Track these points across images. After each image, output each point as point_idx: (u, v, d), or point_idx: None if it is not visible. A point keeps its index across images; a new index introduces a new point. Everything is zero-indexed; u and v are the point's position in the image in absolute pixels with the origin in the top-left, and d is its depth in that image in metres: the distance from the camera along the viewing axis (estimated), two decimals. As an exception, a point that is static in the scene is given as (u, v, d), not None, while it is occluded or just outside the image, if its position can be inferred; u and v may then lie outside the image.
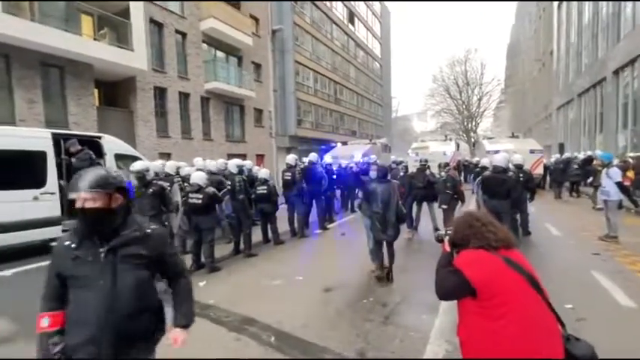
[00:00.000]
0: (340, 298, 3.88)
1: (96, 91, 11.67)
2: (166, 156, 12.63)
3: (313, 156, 7.74)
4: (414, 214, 6.82)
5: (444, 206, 5.95)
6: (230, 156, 13.89)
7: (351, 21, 34.41)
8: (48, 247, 5.96)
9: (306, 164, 7.60)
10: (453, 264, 1.50)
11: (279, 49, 22.76)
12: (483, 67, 34.57)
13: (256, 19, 19.36)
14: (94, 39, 10.88)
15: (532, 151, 13.19)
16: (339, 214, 9.29)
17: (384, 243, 4.38)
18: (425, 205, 6.77)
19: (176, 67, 14.41)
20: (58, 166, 6.24)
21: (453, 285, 1.46)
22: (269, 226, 6.51)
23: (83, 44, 10.23)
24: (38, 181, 5.93)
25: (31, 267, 5.26)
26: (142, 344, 1.46)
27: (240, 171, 6.01)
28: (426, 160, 7.13)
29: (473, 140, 32.72)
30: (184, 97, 14.88)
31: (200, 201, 4.88)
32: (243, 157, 16.32)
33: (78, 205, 1.34)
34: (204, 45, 15.91)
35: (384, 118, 45.55)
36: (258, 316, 3.41)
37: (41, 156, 5.96)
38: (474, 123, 35.39)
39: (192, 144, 15.00)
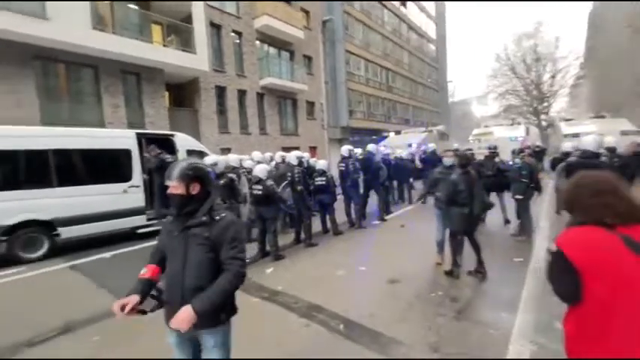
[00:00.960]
0: (407, 290, 3.78)
1: (166, 93, 12.81)
2: (227, 151, 13.47)
3: (372, 146, 7.59)
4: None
5: (519, 196, 5.41)
6: (284, 149, 14.36)
7: (403, 3, 32.79)
8: (135, 233, 6.79)
9: (364, 154, 7.48)
10: (558, 246, 1.23)
11: (329, 40, 22.65)
12: (557, 41, 30.29)
13: (307, 12, 19.48)
14: (164, 45, 11.92)
15: (624, 133, 11.37)
16: (396, 206, 9.06)
17: (459, 236, 4.09)
18: (494, 195, 6.26)
19: (234, 65, 15.18)
20: (141, 162, 7.02)
21: (562, 280, 1.22)
22: (327, 217, 6.59)
23: (155, 51, 11.26)
24: (126, 176, 6.74)
25: (126, 250, 6.05)
26: (209, 322, 1.58)
27: (300, 162, 6.13)
28: (496, 147, 6.58)
29: (545, 124, 29.23)
30: (242, 94, 15.64)
31: (260, 192, 5.12)
32: (297, 149, 16.74)
33: (168, 191, 1.62)
34: (258, 42, 16.49)
35: (440, 103, 42.99)
36: (324, 304, 3.48)
37: (127, 153, 6.75)
38: (545, 104, 31.45)
39: (249, 139, 15.76)
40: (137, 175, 6.88)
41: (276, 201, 5.23)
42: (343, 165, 6.83)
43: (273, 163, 7.23)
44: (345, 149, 7.05)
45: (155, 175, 6.81)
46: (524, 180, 5.34)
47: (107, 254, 5.81)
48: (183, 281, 1.58)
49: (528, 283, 3.70)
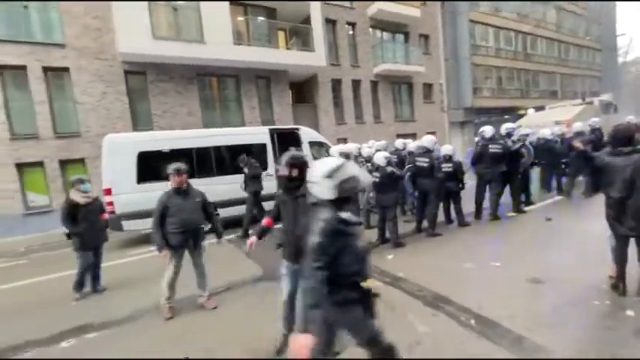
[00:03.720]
0: (555, 294, 3.19)
1: (290, 92, 14.20)
2: (343, 141, 13.99)
3: (506, 126, 6.51)
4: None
5: None
6: (399, 136, 13.93)
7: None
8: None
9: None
10: None
11: (449, 12, 20.48)
12: None
13: (422, -13, 18.10)
14: (287, 48, 13.20)
15: None
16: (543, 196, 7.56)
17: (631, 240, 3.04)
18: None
19: (348, 57, 15.53)
20: (274, 153, 8.06)
21: None
22: (452, 206, 6.11)
23: (280, 55, 12.59)
24: (263, 166, 7.85)
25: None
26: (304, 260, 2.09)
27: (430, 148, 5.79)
28: None
29: None
30: (356, 84, 15.90)
31: (379, 179, 5.13)
32: (413, 136, 16.00)
33: (278, 173, 2.53)
34: (371, 30, 16.34)
35: (604, 66, 33.39)
36: (452, 296, 3.28)
37: (264, 147, 7.86)
38: None
39: (364, 128, 15.95)
40: (271, 166, 7.95)
41: (396, 187, 5.16)
42: (498, 146, 5.92)
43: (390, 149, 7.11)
44: (489, 130, 6.22)
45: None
46: None
47: (251, 230, 6.94)
48: (295, 231, 2.41)
49: None
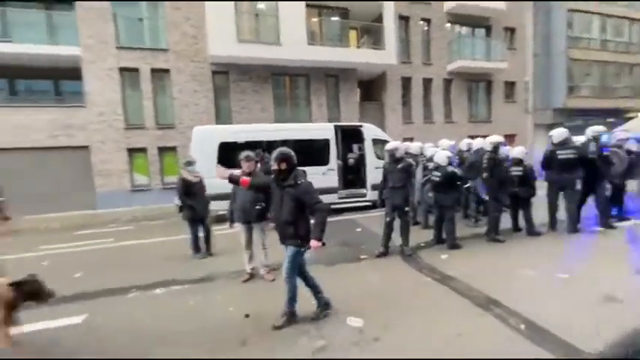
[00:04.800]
0: (629, 314, 2.86)
1: (358, 90, 14.39)
2: (409, 140, 13.63)
3: (592, 130, 5.72)
4: None
5: None
6: (472, 138, 13.01)
7: None
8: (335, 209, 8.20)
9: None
10: None
11: (542, 3, 18.29)
12: None
13: (511, -24, 16.51)
14: (357, 47, 13.39)
15: None
16: (636, 213, 6.45)
17: None
18: None
19: (420, 55, 15.06)
20: (337, 149, 8.38)
21: None
22: (521, 213, 5.67)
23: (350, 54, 12.85)
24: (325, 161, 8.25)
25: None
26: (291, 241, 2.89)
27: (495, 149, 5.46)
28: None
29: None
30: (427, 82, 15.34)
31: (439, 178, 5.05)
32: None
33: (271, 168, 2.93)
34: (448, 25, 15.55)
35: None
36: (504, 300, 3.17)
37: (327, 142, 8.24)
38: None
39: (433, 128, 15.31)
40: (333, 160, 8.30)
41: (456, 188, 5.03)
42: (570, 151, 5.34)
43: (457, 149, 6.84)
44: (558, 133, 5.58)
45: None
46: None
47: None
48: (280, 215, 2.88)
49: None
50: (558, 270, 3.87)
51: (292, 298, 2.95)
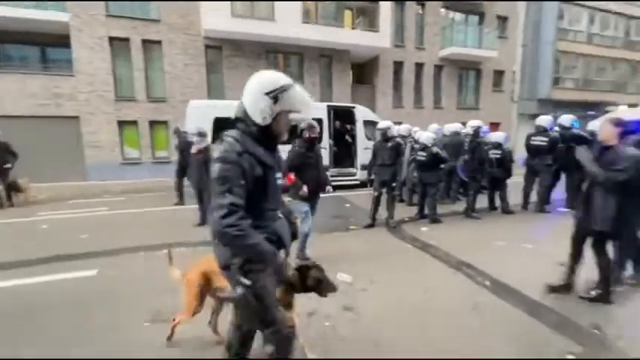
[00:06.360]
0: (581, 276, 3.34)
1: (351, 72, 14.48)
2: (398, 124, 13.95)
3: (565, 118, 6.17)
4: None
5: None
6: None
7: None
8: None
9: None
10: None
11: (535, -8, 18.49)
12: None
13: (507, -38, 16.57)
14: (352, 28, 13.38)
15: None
16: None
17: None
18: None
19: (414, 39, 15.17)
20: (330, 129, 8.63)
21: None
22: (498, 194, 6.16)
23: (345, 34, 12.86)
24: (319, 140, 8.49)
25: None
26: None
27: (475, 133, 5.87)
28: None
29: None
30: (419, 67, 15.54)
31: (424, 158, 5.43)
32: (475, 125, 15.28)
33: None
34: (443, 10, 15.63)
35: None
36: (475, 263, 3.62)
37: (320, 122, 8.45)
38: None
39: (422, 113, 15.66)
40: (325, 140, 8.56)
41: (439, 167, 5.43)
42: (542, 140, 5.77)
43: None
44: (545, 120, 5.96)
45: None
46: None
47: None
48: (320, 176, 3.73)
49: None
50: (525, 242, 4.37)
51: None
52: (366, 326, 2.46)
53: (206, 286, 2.04)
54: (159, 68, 11.61)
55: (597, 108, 18.90)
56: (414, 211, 5.96)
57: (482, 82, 17.01)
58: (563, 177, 6.17)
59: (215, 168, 1.28)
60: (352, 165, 9.25)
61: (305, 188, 3.46)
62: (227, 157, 1.27)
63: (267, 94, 1.33)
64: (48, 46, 11.33)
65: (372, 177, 5.41)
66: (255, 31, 11.51)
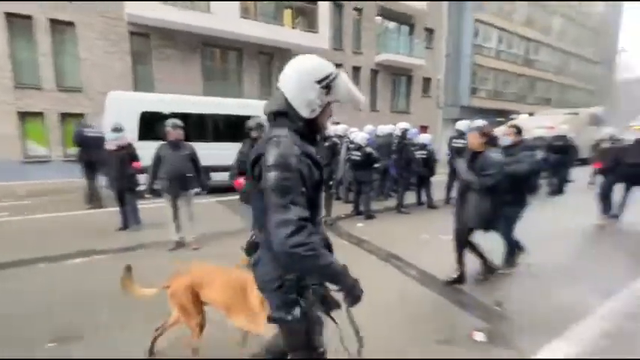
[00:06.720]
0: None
1: (291, 71, 14.46)
2: (335, 124, 14.40)
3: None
4: (617, 198, 5.36)
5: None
6: (393, 126, 14.42)
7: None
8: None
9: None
10: None
11: (455, 7, 20.61)
12: None
13: (433, -20, 18.20)
14: (292, 27, 13.39)
15: None
16: None
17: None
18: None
19: (351, 43, 15.77)
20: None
21: None
22: (424, 190, 6.72)
23: (285, 33, 12.81)
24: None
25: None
26: None
27: (403, 135, 6.33)
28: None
29: None
30: (356, 71, 16.21)
31: (359, 158, 5.69)
32: (407, 127, 16.52)
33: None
34: (379, 18, 16.53)
35: (602, 80, 33.99)
36: (403, 256, 3.90)
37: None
38: None
39: (359, 115, 16.33)
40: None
41: (372, 167, 5.74)
42: (461, 142, 6.41)
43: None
44: (464, 124, 6.67)
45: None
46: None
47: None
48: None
49: None
50: (444, 234, 4.83)
51: None
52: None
53: (195, 302, 1.88)
54: (72, 54, 10.20)
55: (505, 115, 21.85)
56: (349, 208, 6.20)
57: (413, 87, 18.43)
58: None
59: (271, 176, 1.06)
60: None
61: None
62: (286, 163, 1.06)
63: (319, 82, 1.15)
64: None
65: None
66: (188, 21, 10.82)
